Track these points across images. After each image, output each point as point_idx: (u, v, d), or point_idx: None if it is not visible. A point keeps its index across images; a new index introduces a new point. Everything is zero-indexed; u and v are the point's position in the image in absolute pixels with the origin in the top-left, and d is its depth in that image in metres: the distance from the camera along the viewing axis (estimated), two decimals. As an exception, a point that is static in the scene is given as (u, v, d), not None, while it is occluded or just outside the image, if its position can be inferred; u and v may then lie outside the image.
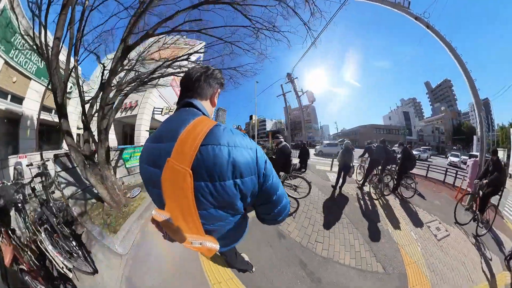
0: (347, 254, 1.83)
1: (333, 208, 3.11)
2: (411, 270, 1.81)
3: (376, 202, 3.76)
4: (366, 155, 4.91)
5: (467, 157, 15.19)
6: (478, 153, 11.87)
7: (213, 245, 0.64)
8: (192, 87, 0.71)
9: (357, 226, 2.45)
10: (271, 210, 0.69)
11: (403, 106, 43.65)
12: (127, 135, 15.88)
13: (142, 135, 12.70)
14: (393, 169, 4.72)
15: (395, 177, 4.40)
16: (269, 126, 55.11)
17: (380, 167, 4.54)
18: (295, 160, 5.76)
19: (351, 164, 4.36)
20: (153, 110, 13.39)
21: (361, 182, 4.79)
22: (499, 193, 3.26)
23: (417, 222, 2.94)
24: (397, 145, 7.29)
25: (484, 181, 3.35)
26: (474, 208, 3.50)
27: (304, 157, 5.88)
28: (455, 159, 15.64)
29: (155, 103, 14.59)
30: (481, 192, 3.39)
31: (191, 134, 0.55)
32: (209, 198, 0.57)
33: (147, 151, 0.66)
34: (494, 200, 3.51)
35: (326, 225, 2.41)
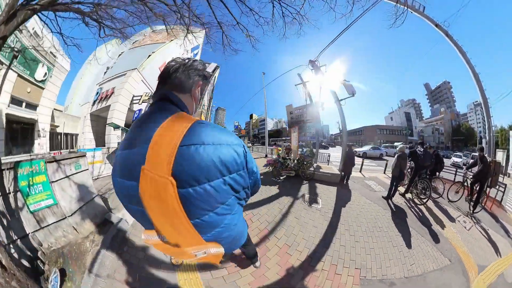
0: (428, 262, 2.25)
1: (400, 223, 3.07)
2: (463, 255, 2.46)
3: (421, 207, 3.89)
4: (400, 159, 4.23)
5: (467, 158, 16.08)
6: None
7: (218, 249, 0.58)
8: (168, 79, 0.61)
9: (422, 234, 2.84)
10: (251, 194, 0.67)
11: (403, 107, 44.40)
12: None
13: (113, 135, 8.86)
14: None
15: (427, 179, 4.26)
16: (270, 125, 54.60)
17: (424, 172, 4.35)
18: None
19: (404, 171, 4.05)
20: (132, 99, 9.68)
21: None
22: (486, 183, 4.09)
23: (451, 218, 3.58)
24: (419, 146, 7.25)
25: (470, 172, 4.49)
26: (466, 195, 4.36)
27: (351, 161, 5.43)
28: (458, 160, 16.38)
29: (135, 89, 10.34)
30: (468, 181, 4.35)
31: (167, 134, 0.46)
32: (200, 204, 0.48)
33: (119, 160, 0.55)
34: (494, 197, 4.50)
35: (406, 243, 2.52)
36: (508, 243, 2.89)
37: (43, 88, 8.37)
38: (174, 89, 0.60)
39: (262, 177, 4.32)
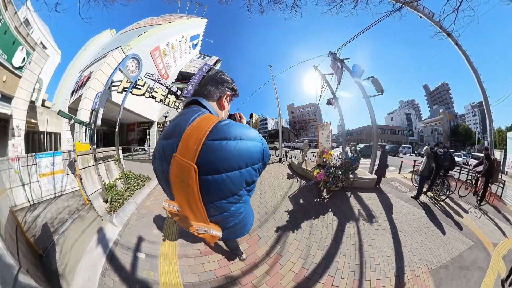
0: (460, 244, 2.96)
1: (433, 218, 3.65)
2: (480, 237, 3.21)
3: (441, 202, 4.49)
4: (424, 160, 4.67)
5: (467, 157, 17.02)
6: (481, 154, 13.50)
7: (217, 232, 0.68)
8: (200, 89, 0.77)
9: (450, 224, 3.53)
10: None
11: (403, 107, 45.45)
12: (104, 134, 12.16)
13: (76, 132, 6.64)
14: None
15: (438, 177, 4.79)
16: (270, 125, 54.00)
17: (441, 172, 4.78)
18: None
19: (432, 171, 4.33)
20: (110, 85, 6.47)
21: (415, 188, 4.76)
22: (491, 178, 4.75)
23: (464, 210, 4.26)
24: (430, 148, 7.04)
25: (478, 169, 5.09)
26: (476, 189, 5.08)
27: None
28: (459, 159, 17.30)
29: (115, 74, 7.87)
30: (475, 178, 5.03)
31: (195, 130, 0.56)
32: (215, 191, 0.58)
33: (159, 147, 0.69)
34: (495, 192, 5.17)
35: (442, 233, 3.16)
36: (510, 228, 3.69)
37: (20, 77, 6.62)
38: (204, 96, 0.75)
39: (302, 202, 3.91)
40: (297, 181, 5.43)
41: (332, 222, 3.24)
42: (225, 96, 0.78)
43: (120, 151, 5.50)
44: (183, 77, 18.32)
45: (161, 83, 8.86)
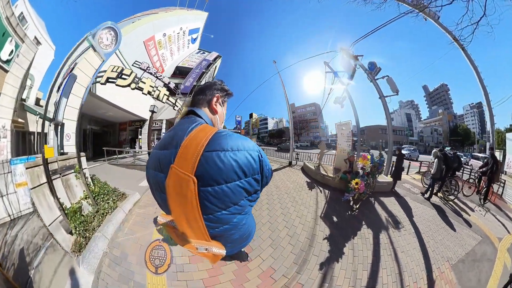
0: (471, 240, 3.31)
1: (444, 218, 4.01)
2: (487, 232, 3.61)
3: (451, 203, 4.83)
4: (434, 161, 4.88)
5: (467, 157, 17.75)
6: (481, 155, 14.11)
7: (219, 250, 0.66)
8: (194, 99, 0.82)
9: (460, 222, 3.89)
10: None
11: (402, 108, 46.71)
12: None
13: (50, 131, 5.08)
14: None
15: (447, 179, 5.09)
16: (270, 125, 54.46)
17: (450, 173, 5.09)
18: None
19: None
20: (95, 77, 6.05)
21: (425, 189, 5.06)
22: (495, 178, 5.08)
23: (471, 209, 4.63)
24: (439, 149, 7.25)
25: (482, 170, 5.31)
26: (479, 188, 5.47)
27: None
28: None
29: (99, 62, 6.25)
30: (480, 175, 5.30)
31: (193, 141, 0.58)
32: (215, 202, 0.59)
33: (154, 157, 0.70)
34: (496, 191, 5.55)
35: (455, 230, 3.53)
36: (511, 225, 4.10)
37: (7, 71, 6.24)
38: (196, 105, 0.79)
39: (336, 220, 3.57)
40: (320, 191, 4.79)
41: (368, 236, 3.18)
42: (215, 99, 0.80)
43: (84, 159, 4.29)
44: (180, 72, 17.62)
45: (151, 73, 8.27)
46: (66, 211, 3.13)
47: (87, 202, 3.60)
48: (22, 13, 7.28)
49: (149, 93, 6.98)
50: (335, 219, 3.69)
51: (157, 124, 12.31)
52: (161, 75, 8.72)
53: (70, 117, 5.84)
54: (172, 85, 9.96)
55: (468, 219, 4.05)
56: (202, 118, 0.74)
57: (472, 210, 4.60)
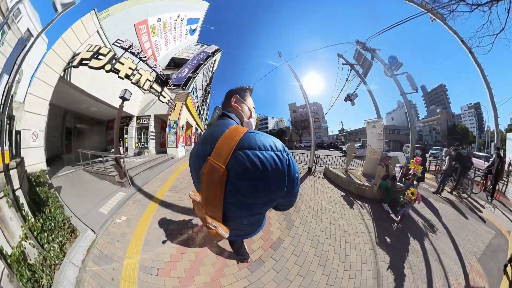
0: (487, 234, 3.60)
1: (463, 214, 4.38)
2: (499, 227, 3.91)
3: (465, 201, 5.11)
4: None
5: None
6: (483, 154, 14.63)
7: (223, 232, 0.79)
8: (223, 103, 1.02)
9: (476, 219, 4.17)
10: (290, 202, 0.86)
11: (401, 107, 47.82)
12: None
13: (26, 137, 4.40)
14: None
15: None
16: (270, 125, 54.13)
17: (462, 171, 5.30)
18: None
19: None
20: (71, 60, 5.35)
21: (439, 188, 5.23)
22: (500, 175, 5.27)
23: (481, 206, 4.93)
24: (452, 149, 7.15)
25: (489, 168, 5.56)
26: (485, 186, 5.85)
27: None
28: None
29: (80, 41, 5.80)
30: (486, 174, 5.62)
31: (227, 139, 0.70)
32: (238, 195, 0.69)
33: (197, 148, 0.87)
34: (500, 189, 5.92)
35: (475, 225, 3.79)
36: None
37: None
38: (226, 108, 0.97)
39: (389, 241, 3.10)
40: (361, 207, 4.07)
41: (418, 248, 3.01)
42: (233, 100, 0.97)
43: (14, 177, 2.62)
44: (175, 64, 16.60)
45: (133, 53, 6.62)
46: (8, 260, 1.88)
47: (30, 244, 2.21)
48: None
49: (127, 76, 5.75)
50: (388, 240, 3.19)
51: (144, 120, 10.43)
52: (145, 56, 7.01)
53: (36, 110, 4.82)
54: (159, 70, 8.08)
55: (481, 216, 4.35)
56: (232, 118, 0.89)
57: (483, 207, 4.90)
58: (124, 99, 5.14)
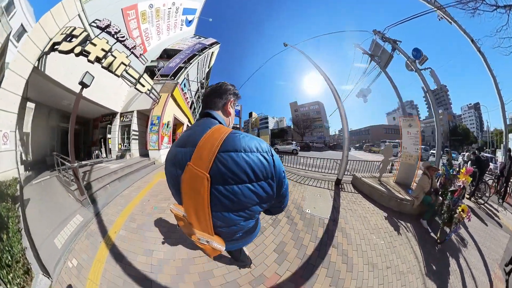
0: (503, 238, 3.62)
1: (485, 223, 4.16)
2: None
3: (483, 206, 4.92)
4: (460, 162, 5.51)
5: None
6: (487, 154, 14.64)
7: (219, 246, 0.73)
8: (207, 101, 0.88)
9: (493, 224, 4.11)
10: (281, 204, 0.82)
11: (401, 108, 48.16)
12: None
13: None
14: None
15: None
16: (271, 124, 53.73)
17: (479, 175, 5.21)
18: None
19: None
20: (50, 47, 5.02)
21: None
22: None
23: (495, 209, 4.85)
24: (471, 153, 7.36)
25: (501, 171, 5.55)
26: (497, 189, 5.75)
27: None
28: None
29: (58, 26, 5.36)
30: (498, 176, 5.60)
31: (209, 141, 0.64)
32: (225, 202, 0.64)
33: (173, 153, 0.78)
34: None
35: (493, 231, 3.78)
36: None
37: None
38: (212, 108, 0.86)
39: (435, 268, 2.63)
40: (406, 229, 3.37)
41: (455, 267, 2.73)
42: (229, 103, 0.89)
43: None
44: (168, 56, 15.61)
45: (109, 33, 5.60)
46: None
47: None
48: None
49: (97, 60, 4.87)
50: (434, 267, 2.69)
51: (127, 118, 9.27)
52: (123, 36, 5.85)
53: (6, 107, 4.31)
54: (138, 52, 6.45)
55: (498, 220, 4.23)
56: (217, 120, 0.81)
57: (497, 210, 4.75)
58: (83, 84, 3.92)
